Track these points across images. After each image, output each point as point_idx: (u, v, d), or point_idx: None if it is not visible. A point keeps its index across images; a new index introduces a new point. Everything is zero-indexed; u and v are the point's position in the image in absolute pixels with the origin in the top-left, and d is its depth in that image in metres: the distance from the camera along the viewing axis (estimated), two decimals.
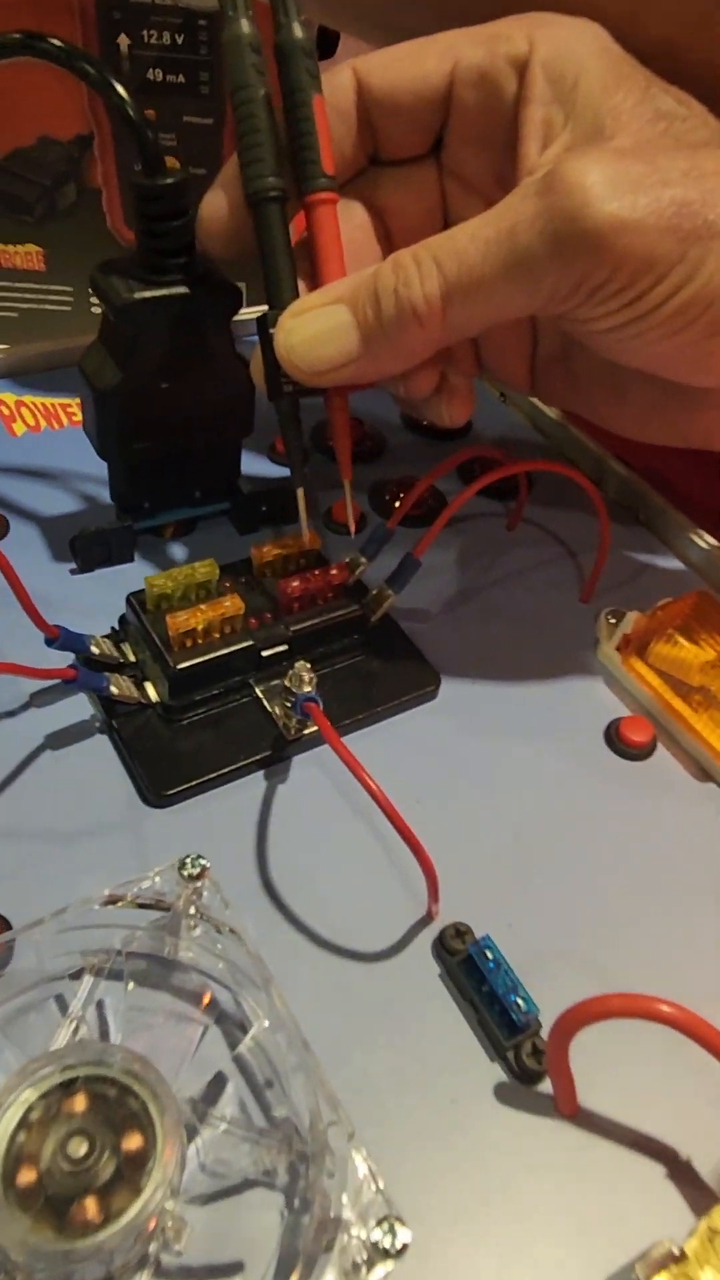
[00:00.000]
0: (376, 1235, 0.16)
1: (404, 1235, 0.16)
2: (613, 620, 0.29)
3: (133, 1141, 0.17)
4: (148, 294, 0.25)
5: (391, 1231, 0.16)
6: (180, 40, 0.45)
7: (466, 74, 0.23)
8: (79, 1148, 0.17)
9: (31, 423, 0.34)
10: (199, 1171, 0.18)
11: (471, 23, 0.25)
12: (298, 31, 0.22)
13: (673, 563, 0.34)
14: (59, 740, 0.25)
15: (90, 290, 0.27)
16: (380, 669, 0.27)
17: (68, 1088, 0.18)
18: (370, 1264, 0.16)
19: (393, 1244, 0.16)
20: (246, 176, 0.23)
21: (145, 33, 0.45)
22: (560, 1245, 0.18)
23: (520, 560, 0.33)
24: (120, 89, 0.24)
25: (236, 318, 0.27)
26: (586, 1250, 0.18)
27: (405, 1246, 0.16)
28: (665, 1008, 0.17)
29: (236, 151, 0.23)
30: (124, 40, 0.45)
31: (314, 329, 0.23)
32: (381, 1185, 0.17)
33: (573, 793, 0.26)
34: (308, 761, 0.26)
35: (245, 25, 0.22)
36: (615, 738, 0.27)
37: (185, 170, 0.26)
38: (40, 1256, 0.16)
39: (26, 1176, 0.16)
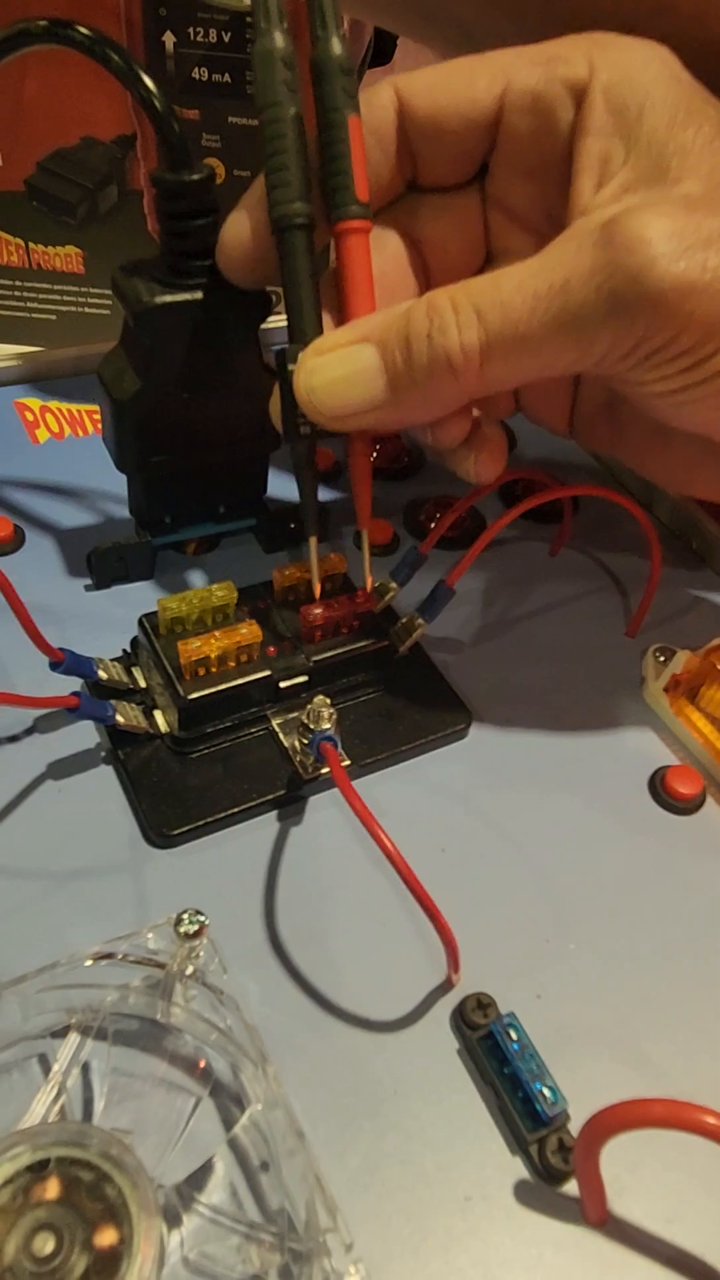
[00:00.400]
0: None
1: None
2: (661, 659, 0.27)
3: (107, 1237, 0.15)
4: (169, 298, 0.24)
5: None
6: (228, 38, 0.44)
7: (519, 98, 0.21)
8: (45, 1244, 0.15)
9: (55, 430, 0.33)
10: (181, 1267, 0.16)
11: (526, 12, 0.23)
12: (336, 47, 0.21)
13: None
14: (61, 770, 0.23)
15: (112, 286, 0.25)
16: (407, 705, 0.26)
17: (39, 1169, 0.16)
18: None
19: None
20: (272, 200, 0.21)
21: (191, 30, 0.44)
22: None
23: (563, 590, 0.31)
24: (146, 79, 0.23)
25: (264, 326, 0.26)
26: None
27: None
28: (713, 1120, 0.15)
29: (263, 173, 0.22)
30: (169, 38, 0.44)
31: (338, 371, 0.21)
32: None
33: (612, 849, 0.24)
34: (324, 803, 0.24)
35: (279, 38, 0.20)
36: (661, 789, 0.25)
37: (229, 174, 0.25)
38: None
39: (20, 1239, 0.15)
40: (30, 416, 0.33)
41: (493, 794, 0.24)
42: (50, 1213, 0.15)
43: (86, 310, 0.52)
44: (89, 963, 0.18)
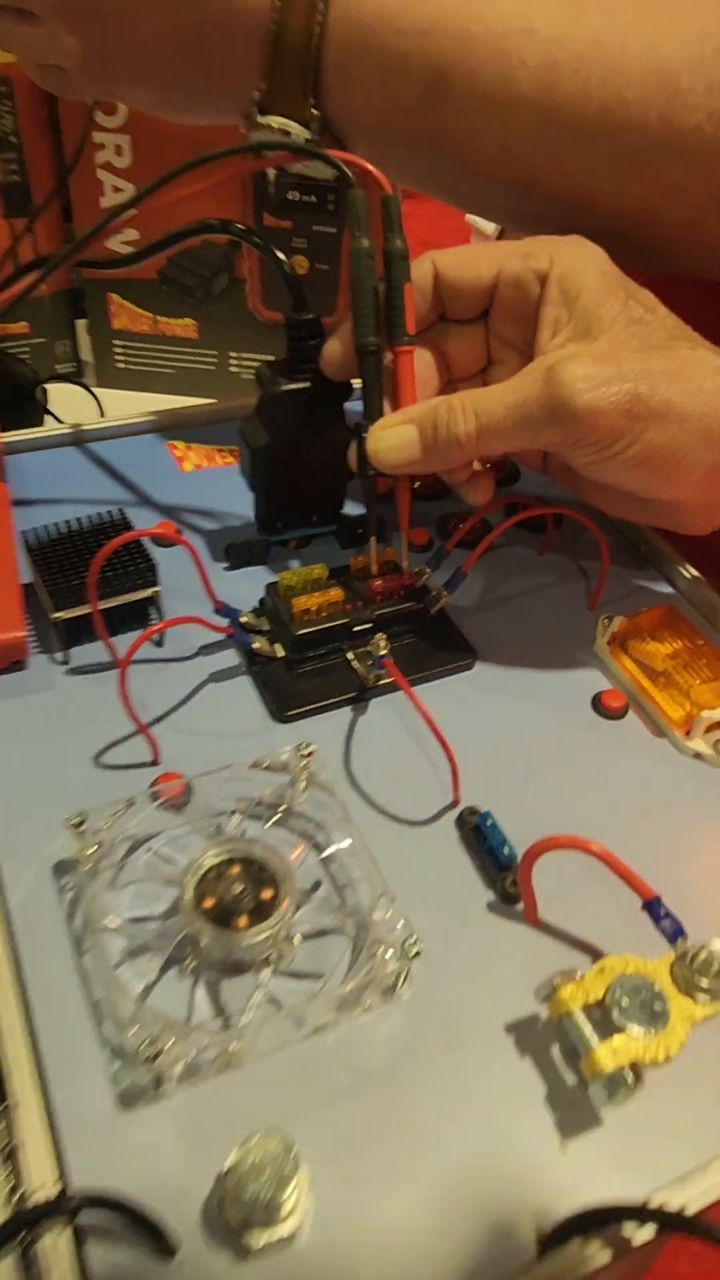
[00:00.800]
0: (403, 950, 0.28)
1: (419, 951, 0.28)
2: (607, 622, 0.41)
3: (267, 893, 0.29)
4: (289, 386, 0.38)
5: (413, 946, 0.28)
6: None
7: (507, 278, 0.35)
8: (237, 889, 0.29)
9: (197, 462, 0.47)
10: (302, 921, 0.30)
11: (529, 217, 0.37)
12: (398, 243, 0.35)
13: (664, 586, 0.45)
14: (219, 677, 0.38)
15: (255, 378, 0.39)
16: (433, 646, 0.39)
17: (230, 860, 0.30)
18: (400, 975, 0.28)
19: (412, 952, 0.28)
20: (357, 333, 0.35)
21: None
22: (522, 977, 0.29)
23: (545, 577, 0.44)
24: (281, 255, 0.37)
25: (346, 403, 0.40)
26: (537, 978, 0.29)
27: (419, 953, 0.28)
28: (594, 845, 0.28)
29: (351, 314, 0.36)
30: (272, 171, 0.59)
31: (392, 441, 0.35)
32: (412, 932, 0.29)
33: (564, 737, 0.37)
34: (380, 703, 0.38)
35: (365, 241, 0.35)
36: (599, 703, 0.38)
37: (311, 267, 0.38)
38: (216, 942, 0.28)
39: (208, 903, 0.29)
40: (178, 453, 0.48)
41: (488, 703, 0.38)
42: (237, 878, 0.29)
43: (198, 367, 0.67)
44: (247, 768, 0.32)
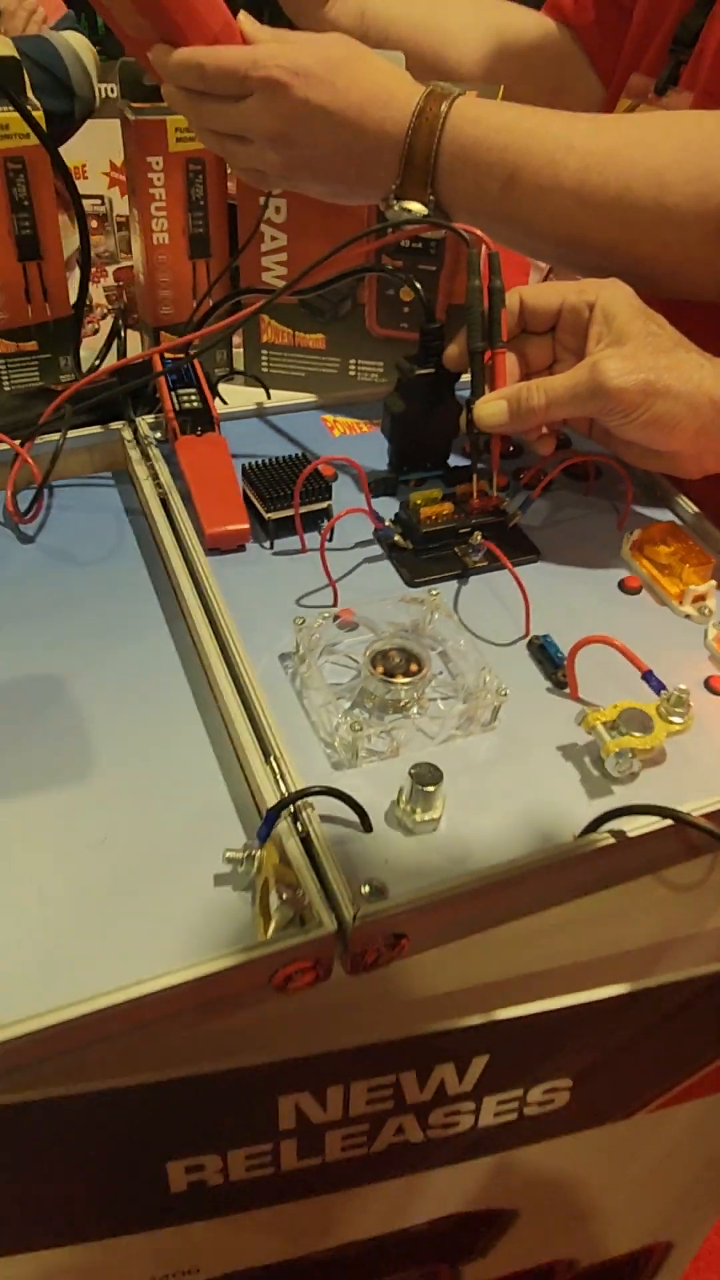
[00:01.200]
0: (496, 693, 0.47)
1: (506, 694, 0.47)
2: (629, 535, 0.59)
3: (414, 666, 0.48)
4: (420, 372, 0.58)
5: (503, 692, 0.47)
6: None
7: (568, 306, 0.55)
8: (396, 660, 0.48)
9: (343, 430, 0.68)
10: (434, 688, 0.49)
11: (588, 267, 0.57)
12: (497, 282, 0.54)
13: (668, 515, 0.64)
14: (370, 560, 0.57)
15: (395, 367, 0.59)
16: (510, 547, 0.59)
17: (392, 648, 0.49)
18: (495, 709, 0.47)
19: (502, 694, 0.47)
20: (469, 340, 0.55)
21: None
22: (567, 721, 0.48)
23: (588, 509, 0.63)
24: (419, 289, 0.57)
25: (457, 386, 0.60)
26: (576, 719, 0.48)
27: (506, 694, 0.47)
28: (615, 640, 0.47)
29: (465, 327, 0.55)
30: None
31: (490, 409, 0.55)
32: (502, 684, 0.48)
33: (597, 607, 0.56)
34: (474, 580, 0.57)
35: (476, 281, 0.54)
36: (622, 585, 0.57)
37: (418, 295, 0.58)
38: (383, 690, 0.47)
39: (379, 669, 0.48)
40: (329, 423, 0.68)
41: (546, 583, 0.57)
42: (396, 655, 0.48)
43: (324, 371, 0.87)
44: (397, 601, 0.52)
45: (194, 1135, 0.52)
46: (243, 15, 0.58)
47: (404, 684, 0.47)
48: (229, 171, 0.78)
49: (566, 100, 0.89)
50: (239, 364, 0.87)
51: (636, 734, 0.45)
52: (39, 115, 0.69)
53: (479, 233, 0.55)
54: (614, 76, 0.83)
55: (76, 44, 1.18)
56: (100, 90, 1.28)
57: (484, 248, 0.55)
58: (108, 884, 0.42)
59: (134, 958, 0.39)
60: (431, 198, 0.59)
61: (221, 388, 0.81)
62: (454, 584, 0.57)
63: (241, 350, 0.87)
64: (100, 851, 0.43)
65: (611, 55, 0.83)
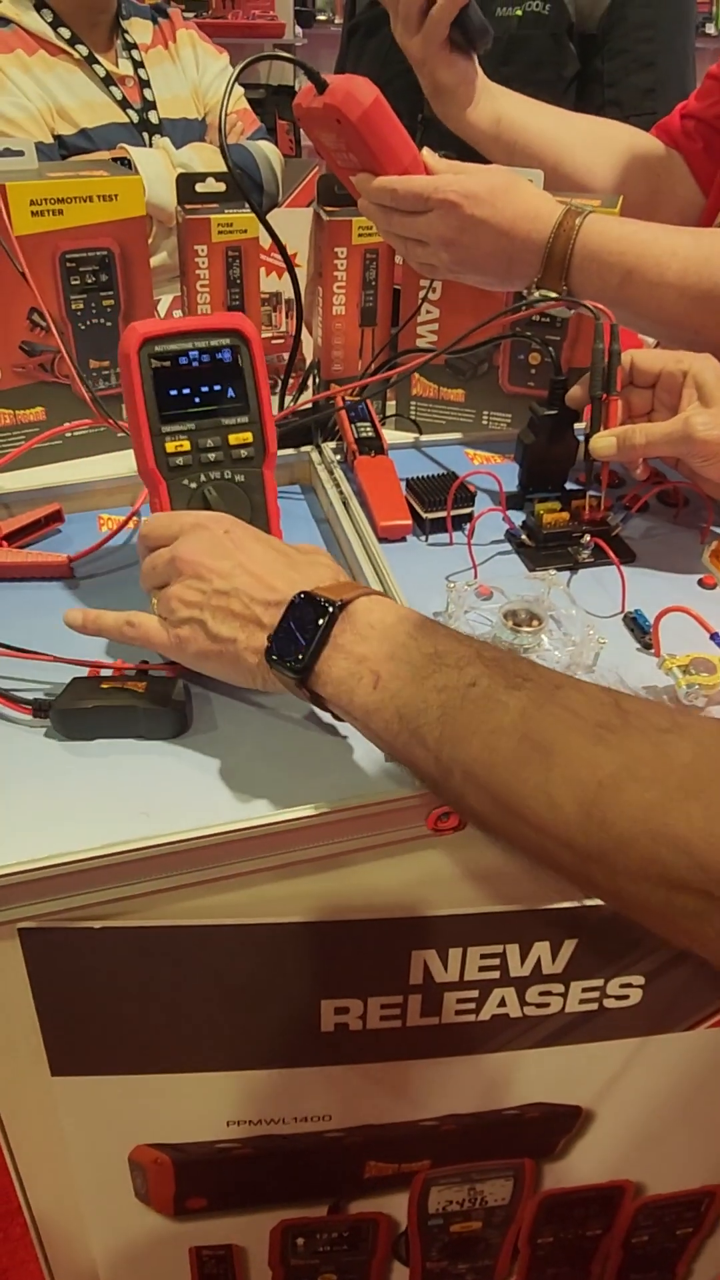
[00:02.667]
0: (595, 641, 0.63)
1: (605, 642, 0.63)
2: (710, 546, 0.75)
3: (535, 622, 0.65)
4: (548, 413, 0.76)
5: (603, 641, 0.63)
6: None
7: (667, 371, 0.72)
8: (522, 615, 0.65)
9: (481, 460, 0.85)
10: (551, 643, 0.65)
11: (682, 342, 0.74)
12: (616, 346, 0.72)
13: None
14: (501, 553, 0.74)
15: (528, 408, 0.77)
16: (612, 549, 0.75)
17: (519, 609, 0.66)
18: (596, 654, 0.63)
19: (602, 643, 0.63)
20: (591, 388, 0.72)
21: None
22: (652, 669, 0.64)
23: (676, 528, 0.79)
24: (551, 351, 0.75)
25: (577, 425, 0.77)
26: (653, 681, 0.64)
27: (604, 643, 0.63)
28: (690, 609, 0.63)
29: (590, 377, 0.73)
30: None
31: (603, 443, 0.72)
32: (603, 636, 0.63)
33: (680, 598, 0.71)
34: (584, 573, 0.73)
35: (600, 345, 0.72)
36: (701, 583, 0.73)
37: (550, 356, 0.75)
38: (513, 637, 0.64)
39: (509, 621, 0.64)
40: (470, 455, 0.86)
41: (641, 579, 0.73)
42: (522, 613, 0.65)
43: (461, 420, 1.06)
44: (523, 579, 0.68)
45: (343, 978, 0.67)
46: (426, 151, 0.78)
47: (528, 632, 0.64)
48: (397, 260, 0.99)
49: (667, 201, 1.07)
50: (391, 411, 1.07)
51: (704, 675, 0.60)
52: (251, 217, 0.91)
53: (604, 308, 0.72)
54: (714, 188, 1.01)
55: (269, 152, 1.44)
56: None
57: (607, 321, 0.73)
58: (307, 748, 0.59)
59: (331, 794, 0.56)
60: (564, 288, 0.77)
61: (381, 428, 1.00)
62: (565, 574, 0.73)
63: (394, 402, 1.07)
64: (303, 727, 0.60)
65: (713, 172, 1.01)
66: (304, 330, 1.02)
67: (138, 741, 0.59)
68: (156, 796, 0.56)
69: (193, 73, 1.46)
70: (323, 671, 0.50)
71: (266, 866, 0.54)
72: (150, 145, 1.38)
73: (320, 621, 0.50)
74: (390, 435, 0.95)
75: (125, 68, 1.40)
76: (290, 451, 0.84)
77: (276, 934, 0.63)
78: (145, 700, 0.59)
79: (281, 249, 0.81)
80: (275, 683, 0.53)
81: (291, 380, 0.89)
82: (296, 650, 0.51)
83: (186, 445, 0.63)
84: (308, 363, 1.04)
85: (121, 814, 0.54)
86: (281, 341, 1.04)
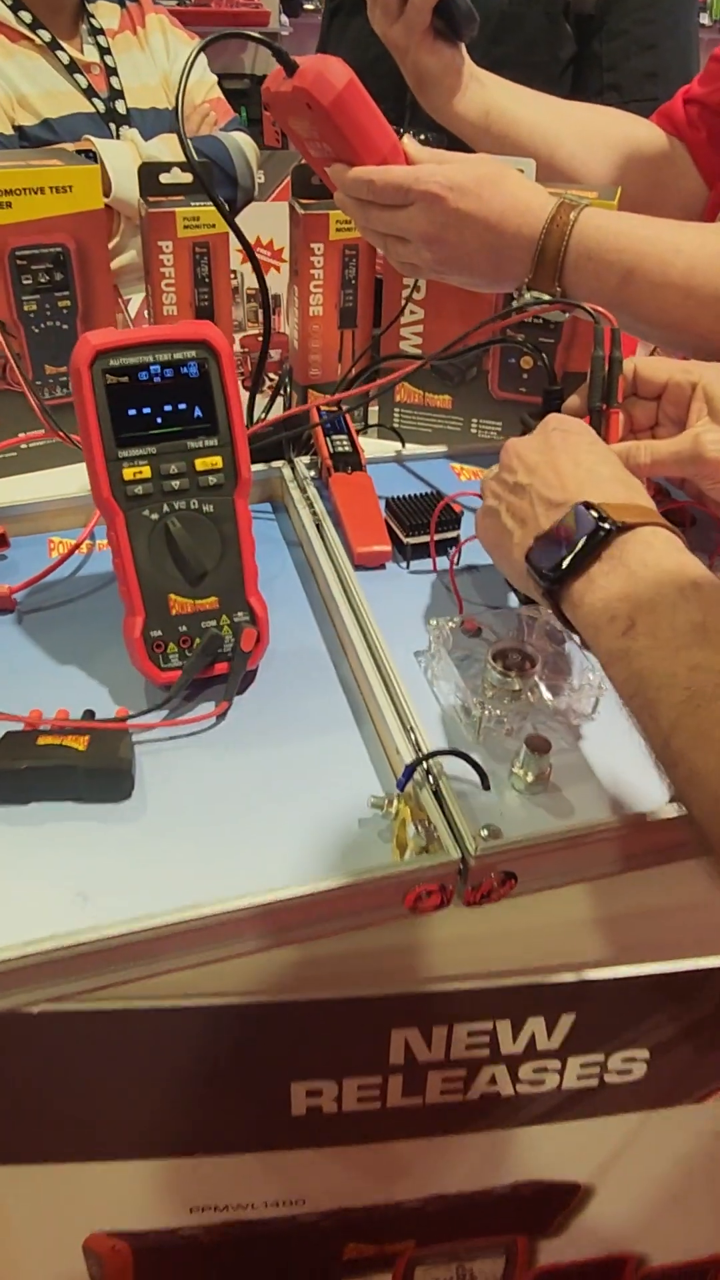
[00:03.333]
0: (597, 687, 0.56)
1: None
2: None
3: (528, 664, 0.58)
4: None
5: (600, 689, 0.56)
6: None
7: (674, 382, 0.65)
8: (513, 657, 0.58)
9: (469, 476, 0.78)
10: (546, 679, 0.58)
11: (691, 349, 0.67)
12: (618, 353, 0.65)
13: None
14: (491, 581, 0.67)
15: (520, 420, 0.70)
16: None
17: (510, 649, 0.59)
18: (595, 700, 0.56)
19: (600, 689, 0.56)
20: (590, 399, 0.65)
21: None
22: None
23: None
24: (544, 357, 0.68)
25: None
26: None
27: (604, 689, 0.56)
28: None
29: (589, 387, 0.66)
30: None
31: None
32: (603, 685, 0.57)
33: None
34: None
35: (599, 352, 0.65)
36: None
37: (542, 362, 0.68)
38: (501, 681, 0.57)
39: (499, 664, 0.58)
40: (456, 469, 0.79)
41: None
42: (513, 654, 0.58)
43: (448, 428, 0.99)
44: (514, 613, 0.62)
45: (316, 1059, 0.61)
46: (407, 138, 0.71)
47: (519, 677, 0.57)
48: (378, 255, 0.91)
49: (670, 194, 1.00)
50: (373, 419, 1.00)
51: None
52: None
53: (604, 311, 0.65)
54: (718, 181, 0.94)
55: (244, 143, 1.36)
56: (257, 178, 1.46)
57: (608, 324, 0.66)
58: (269, 819, 0.52)
59: (292, 875, 0.49)
60: (558, 289, 0.70)
61: (360, 439, 0.93)
62: None
63: (377, 408, 0.99)
64: (265, 794, 0.53)
65: (718, 162, 0.94)
66: (285, 333, 0.95)
67: (78, 804, 0.52)
68: (96, 873, 0.49)
69: (163, 60, 1.38)
70: (576, 595, 0.47)
71: (220, 957, 0.47)
72: (117, 137, 1.30)
73: (586, 539, 0.47)
74: (370, 446, 0.88)
75: (91, 54, 1.32)
76: (260, 467, 0.77)
77: (237, 1015, 0.56)
78: (87, 759, 0.52)
79: (247, 247, 0.74)
80: (537, 591, 0.51)
81: (265, 386, 0.82)
82: (556, 561, 0.48)
83: (147, 472, 0.56)
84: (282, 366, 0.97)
85: (56, 895, 0.48)
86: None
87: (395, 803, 0.51)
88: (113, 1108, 0.60)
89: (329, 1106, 0.63)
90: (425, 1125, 0.66)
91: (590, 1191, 0.74)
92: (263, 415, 0.83)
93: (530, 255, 0.68)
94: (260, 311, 0.97)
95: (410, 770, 0.51)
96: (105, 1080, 0.58)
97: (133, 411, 0.56)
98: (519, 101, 0.95)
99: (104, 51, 1.33)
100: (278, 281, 1.03)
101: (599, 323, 0.65)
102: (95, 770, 0.52)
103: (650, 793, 0.52)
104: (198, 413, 0.57)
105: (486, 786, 0.52)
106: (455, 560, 0.68)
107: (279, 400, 0.90)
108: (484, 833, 0.49)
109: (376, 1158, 0.68)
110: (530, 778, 0.52)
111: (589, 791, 0.53)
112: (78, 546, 0.67)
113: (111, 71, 1.32)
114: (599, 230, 0.67)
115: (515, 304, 0.71)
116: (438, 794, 0.51)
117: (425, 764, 0.52)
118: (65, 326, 0.86)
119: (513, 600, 0.66)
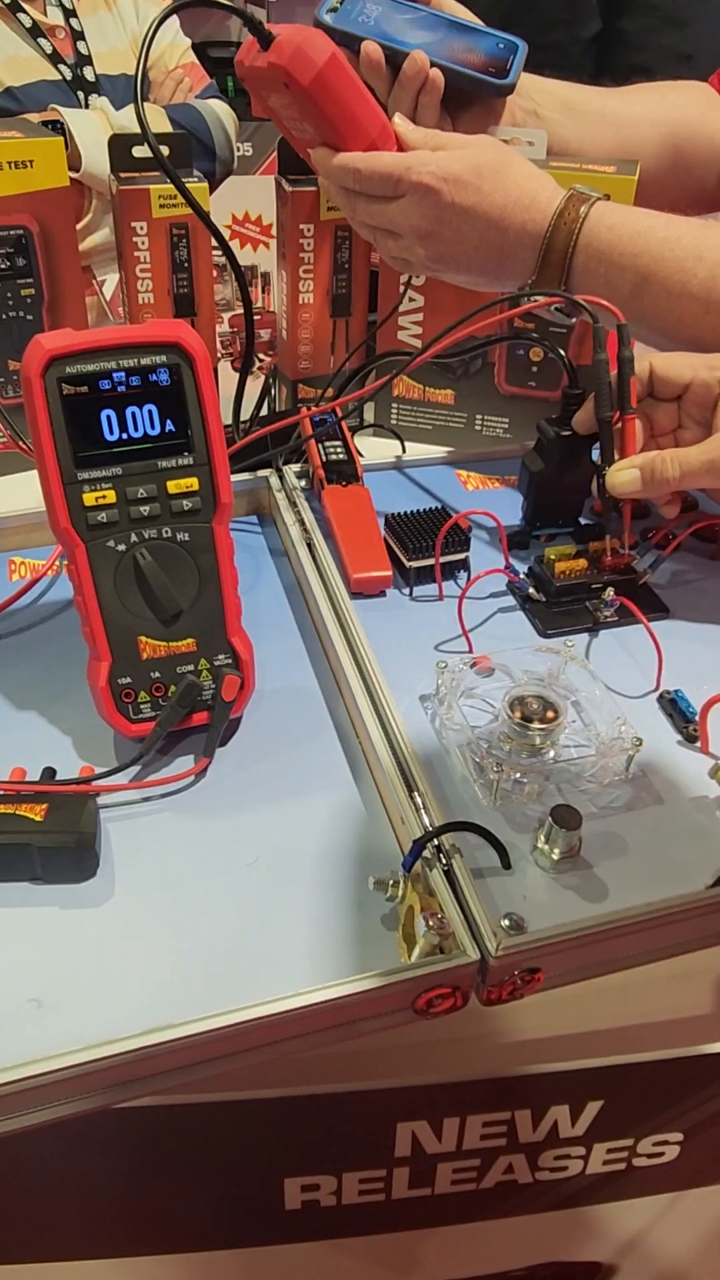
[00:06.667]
0: (631, 742, 0.49)
1: (641, 741, 0.49)
2: None
3: (550, 714, 0.51)
4: (561, 433, 0.61)
5: (637, 743, 0.49)
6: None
7: (698, 380, 0.57)
8: (533, 705, 0.50)
9: (476, 485, 0.71)
10: (568, 737, 0.51)
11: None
12: (627, 352, 0.57)
13: None
14: (504, 610, 0.60)
15: (536, 427, 0.62)
16: (640, 604, 0.60)
17: (531, 695, 0.51)
18: (630, 757, 0.49)
19: (636, 744, 0.49)
20: (597, 409, 0.58)
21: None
22: (699, 774, 0.50)
23: (715, 570, 0.65)
24: (562, 353, 0.60)
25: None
26: (701, 790, 0.50)
27: (641, 742, 0.49)
28: None
29: (594, 397, 0.58)
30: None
31: (624, 478, 0.57)
32: (637, 735, 0.49)
33: None
34: (605, 634, 0.59)
35: (602, 355, 0.57)
36: None
37: (561, 359, 0.61)
38: (519, 735, 0.50)
39: (518, 714, 0.50)
40: (462, 478, 0.71)
41: (677, 641, 0.58)
42: (535, 702, 0.51)
43: (451, 425, 0.91)
44: (533, 651, 0.54)
45: (313, 1154, 0.54)
46: (398, 118, 0.63)
47: (541, 729, 0.49)
48: None
49: (687, 163, 0.90)
50: (369, 416, 0.92)
51: None
52: (204, 187, 0.75)
53: (606, 304, 0.58)
54: None
55: (221, 112, 1.27)
56: (238, 150, 1.37)
57: (615, 319, 0.58)
58: (256, 904, 0.45)
59: (282, 976, 0.42)
60: (565, 291, 0.62)
61: (355, 441, 0.85)
62: (584, 636, 0.59)
63: (373, 404, 0.91)
64: (250, 872, 0.46)
65: None
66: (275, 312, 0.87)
67: (34, 885, 0.45)
68: (52, 974, 0.42)
69: (133, 23, 1.28)
70: None
71: (196, 1078, 0.40)
72: (86, 106, 1.21)
73: None
74: (366, 446, 0.80)
75: (55, 17, 1.22)
76: (245, 476, 0.69)
77: (221, 1113, 0.50)
78: (44, 834, 0.45)
79: (214, 230, 0.66)
80: None
81: (255, 368, 0.74)
82: None
83: (111, 496, 0.49)
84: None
85: (4, 1001, 0.40)
86: (259, 317, 0.89)
87: (401, 884, 0.44)
88: (83, 1208, 0.54)
89: (327, 1200, 0.56)
90: (435, 1215, 0.59)
91: (612, 1270, 0.68)
92: (246, 424, 0.75)
93: (534, 254, 0.60)
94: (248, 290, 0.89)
95: (418, 848, 0.44)
96: (74, 1183, 0.51)
97: (94, 427, 0.48)
98: (557, 122, 0.83)
99: (69, 14, 1.23)
100: (267, 259, 0.95)
101: (598, 323, 0.57)
102: (54, 847, 0.45)
103: (697, 865, 0.45)
104: (169, 427, 0.49)
105: (507, 866, 0.45)
106: (465, 589, 0.61)
107: (266, 401, 0.82)
108: (505, 923, 0.42)
109: (381, 1248, 0.61)
110: (557, 855, 0.45)
111: (625, 868, 0.46)
112: (44, 573, 0.60)
113: (78, 35, 1.22)
114: (612, 230, 0.59)
115: (513, 295, 0.64)
116: (449, 875, 0.44)
117: (435, 839, 0.44)
118: (30, 317, 0.78)
119: (533, 635, 0.58)
